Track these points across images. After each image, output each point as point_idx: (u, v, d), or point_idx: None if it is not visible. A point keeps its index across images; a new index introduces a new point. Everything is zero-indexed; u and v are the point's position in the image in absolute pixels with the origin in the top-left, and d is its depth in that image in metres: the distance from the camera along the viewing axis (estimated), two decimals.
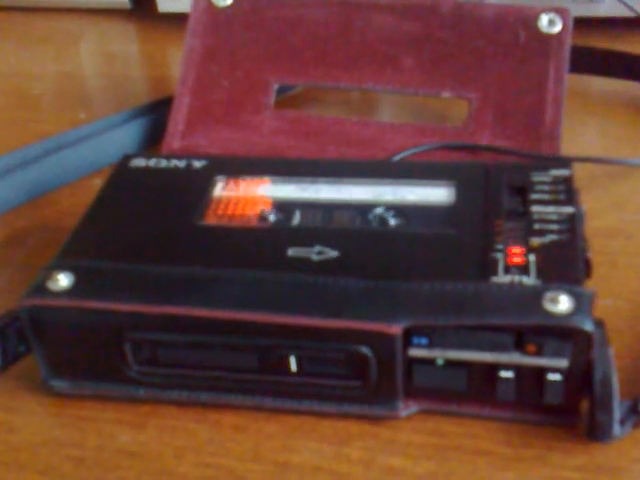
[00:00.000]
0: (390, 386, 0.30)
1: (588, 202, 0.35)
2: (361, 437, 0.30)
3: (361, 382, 0.30)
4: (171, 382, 0.31)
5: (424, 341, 0.28)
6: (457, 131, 0.45)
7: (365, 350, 0.29)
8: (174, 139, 0.46)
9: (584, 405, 0.29)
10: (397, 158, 0.43)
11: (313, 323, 0.28)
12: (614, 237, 0.39)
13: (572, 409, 0.29)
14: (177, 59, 0.65)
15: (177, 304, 0.29)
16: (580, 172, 0.37)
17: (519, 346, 0.28)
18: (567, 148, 0.44)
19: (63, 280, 0.30)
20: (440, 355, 0.29)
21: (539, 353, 0.28)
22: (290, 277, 0.30)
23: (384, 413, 0.30)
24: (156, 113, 0.50)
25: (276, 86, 0.47)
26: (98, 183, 0.48)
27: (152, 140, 0.49)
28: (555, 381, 0.28)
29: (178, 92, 0.47)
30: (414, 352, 0.29)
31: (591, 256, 0.32)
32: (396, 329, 0.28)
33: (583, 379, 0.28)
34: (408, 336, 0.28)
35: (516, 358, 0.28)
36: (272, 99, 0.47)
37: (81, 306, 0.30)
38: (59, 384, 0.32)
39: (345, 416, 0.31)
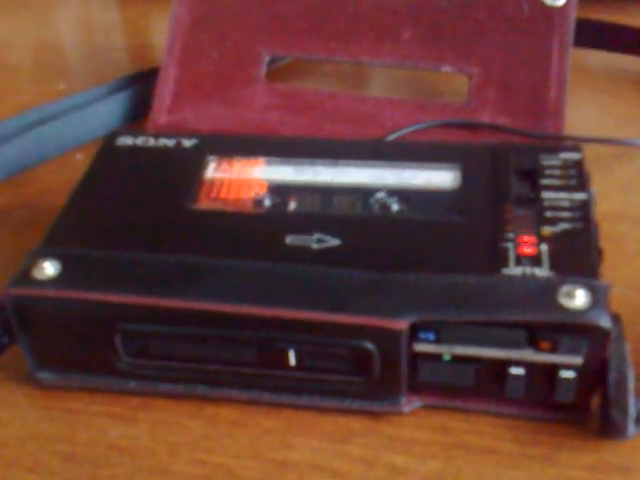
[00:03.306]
0: (393, 381, 0.28)
1: (593, 184, 0.33)
2: (363, 434, 0.29)
3: (363, 377, 0.28)
4: (164, 374, 0.30)
5: (431, 336, 0.27)
6: (458, 107, 0.44)
7: (368, 345, 0.27)
8: (160, 114, 0.44)
9: (595, 401, 0.28)
10: (396, 136, 0.42)
11: (314, 317, 0.27)
12: (621, 222, 0.38)
13: (583, 406, 0.28)
14: (160, 26, 0.62)
15: (171, 296, 0.28)
16: (584, 152, 0.35)
17: (532, 342, 0.27)
18: (570, 126, 0.43)
19: (49, 268, 0.29)
20: (447, 351, 0.27)
21: (553, 350, 0.26)
22: (289, 267, 0.28)
23: (387, 409, 0.29)
24: (141, 85, 0.48)
25: (268, 58, 0.45)
26: (80, 159, 0.46)
27: (137, 114, 0.47)
28: (568, 378, 0.27)
29: (164, 64, 0.45)
30: (420, 347, 0.27)
31: (602, 244, 0.30)
32: (402, 324, 0.27)
33: (597, 375, 0.27)
34: (414, 331, 0.27)
35: (528, 355, 0.27)
36: (263, 72, 0.45)
37: (69, 297, 0.28)
38: (46, 376, 0.31)
39: (346, 412, 0.30)
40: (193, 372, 0.30)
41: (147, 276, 0.28)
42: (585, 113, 0.47)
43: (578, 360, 0.27)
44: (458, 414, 0.29)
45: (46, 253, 0.29)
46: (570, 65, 0.43)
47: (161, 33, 0.60)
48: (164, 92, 0.45)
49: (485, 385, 0.28)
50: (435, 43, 0.44)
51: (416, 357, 0.28)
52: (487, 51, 0.44)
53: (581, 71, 0.50)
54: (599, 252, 0.30)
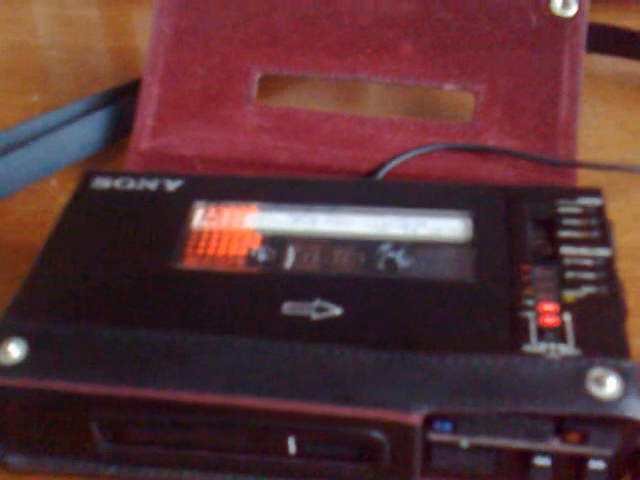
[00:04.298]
0: (405, 469, 0.26)
1: (607, 214, 0.30)
2: None
3: (371, 465, 0.26)
4: (147, 459, 0.27)
5: (447, 427, 0.24)
6: (462, 128, 0.40)
7: (378, 435, 0.24)
8: (142, 138, 0.41)
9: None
10: (398, 162, 0.39)
11: (317, 410, 0.24)
12: None
13: None
14: (143, 26, 0.58)
15: (151, 386, 0.25)
16: (597, 176, 0.32)
17: (559, 432, 0.24)
18: (581, 144, 0.39)
19: (15, 351, 0.25)
20: (465, 440, 0.25)
21: (582, 442, 0.24)
22: (287, 345, 0.25)
23: None
24: (121, 101, 0.44)
25: (258, 75, 0.42)
26: (55, 186, 0.43)
27: (118, 133, 0.44)
28: (597, 469, 0.24)
29: (145, 83, 0.41)
30: (435, 437, 0.25)
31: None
32: (416, 418, 0.24)
33: (628, 462, 0.25)
34: (428, 420, 0.24)
35: (554, 445, 0.24)
36: (254, 91, 0.42)
37: (37, 387, 0.25)
38: (16, 460, 0.28)
39: None
40: (180, 457, 0.27)
41: (124, 360, 0.25)
42: (597, 128, 0.44)
43: (608, 452, 0.24)
44: None
45: (10, 330, 0.26)
46: (582, 80, 0.39)
47: (142, 34, 0.57)
48: (146, 114, 0.41)
49: (506, 472, 0.26)
50: (438, 59, 0.41)
51: (430, 444, 0.25)
52: (493, 67, 0.40)
53: (590, 78, 0.46)
54: (625, 313, 0.27)
